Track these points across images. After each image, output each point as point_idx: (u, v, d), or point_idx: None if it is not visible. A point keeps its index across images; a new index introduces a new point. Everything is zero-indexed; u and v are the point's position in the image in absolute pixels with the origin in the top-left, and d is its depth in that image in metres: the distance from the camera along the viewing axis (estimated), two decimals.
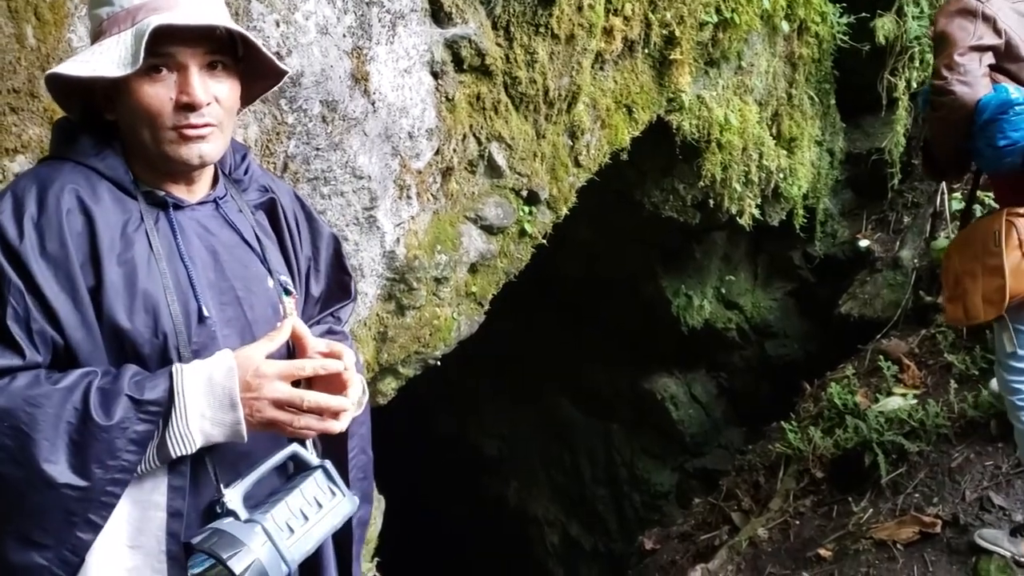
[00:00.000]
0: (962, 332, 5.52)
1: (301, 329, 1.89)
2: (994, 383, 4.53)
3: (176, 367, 1.69)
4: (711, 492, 6.26)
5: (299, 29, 2.99)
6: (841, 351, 6.29)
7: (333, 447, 2.11)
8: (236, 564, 1.68)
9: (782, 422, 5.91)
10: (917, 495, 4.78)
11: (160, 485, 1.73)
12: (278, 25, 2.92)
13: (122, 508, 1.69)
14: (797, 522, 5.07)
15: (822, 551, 4.74)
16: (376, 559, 4.28)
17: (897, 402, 5.26)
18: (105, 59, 1.71)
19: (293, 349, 1.93)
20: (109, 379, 1.65)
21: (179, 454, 1.68)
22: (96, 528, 1.64)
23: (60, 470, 1.58)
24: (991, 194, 4.66)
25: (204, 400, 1.68)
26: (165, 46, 1.73)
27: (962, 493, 4.62)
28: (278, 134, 3.04)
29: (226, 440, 1.73)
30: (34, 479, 1.58)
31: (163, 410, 1.66)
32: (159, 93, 1.75)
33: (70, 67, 1.74)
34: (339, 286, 2.27)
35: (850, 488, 5.07)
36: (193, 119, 1.76)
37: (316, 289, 2.19)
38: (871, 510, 4.85)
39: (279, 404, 1.74)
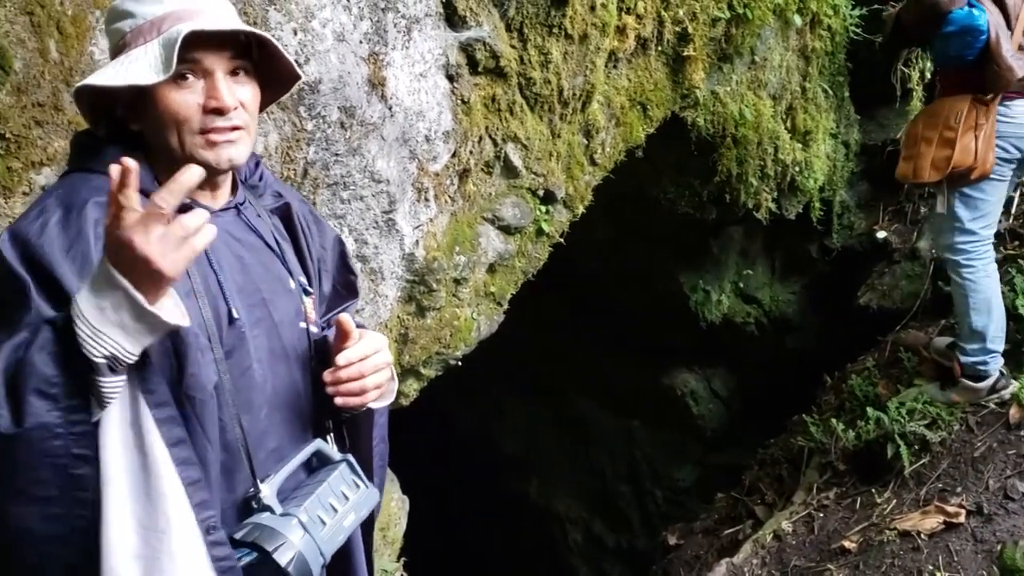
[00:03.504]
0: None
1: (349, 324, 1.95)
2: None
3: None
4: (733, 486, 6.25)
5: (316, 37, 3.02)
6: (861, 343, 6.27)
7: (359, 436, 2.19)
8: (281, 556, 1.73)
9: (803, 415, 5.90)
10: (940, 485, 4.78)
11: (146, 414, 1.64)
12: (295, 33, 2.95)
13: (129, 496, 1.62)
14: (821, 515, 5.07)
15: (846, 543, 4.74)
16: (403, 559, 4.31)
17: (918, 393, 5.26)
18: (135, 68, 1.74)
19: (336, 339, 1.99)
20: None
21: (99, 354, 1.52)
22: (89, 461, 1.57)
23: (5, 422, 1.51)
24: None
25: (96, 290, 1.53)
26: (192, 53, 1.77)
27: (985, 482, 4.62)
28: (298, 141, 3.07)
29: (147, 326, 1.56)
30: (7, 444, 1.52)
31: (67, 317, 1.54)
32: (187, 99, 1.79)
33: (101, 78, 1.77)
34: (345, 286, 2.33)
35: (873, 480, 5.07)
36: (221, 123, 1.80)
37: (325, 288, 2.25)
38: (895, 501, 4.85)
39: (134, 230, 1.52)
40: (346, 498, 1.93)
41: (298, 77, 2.01)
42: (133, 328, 1.55)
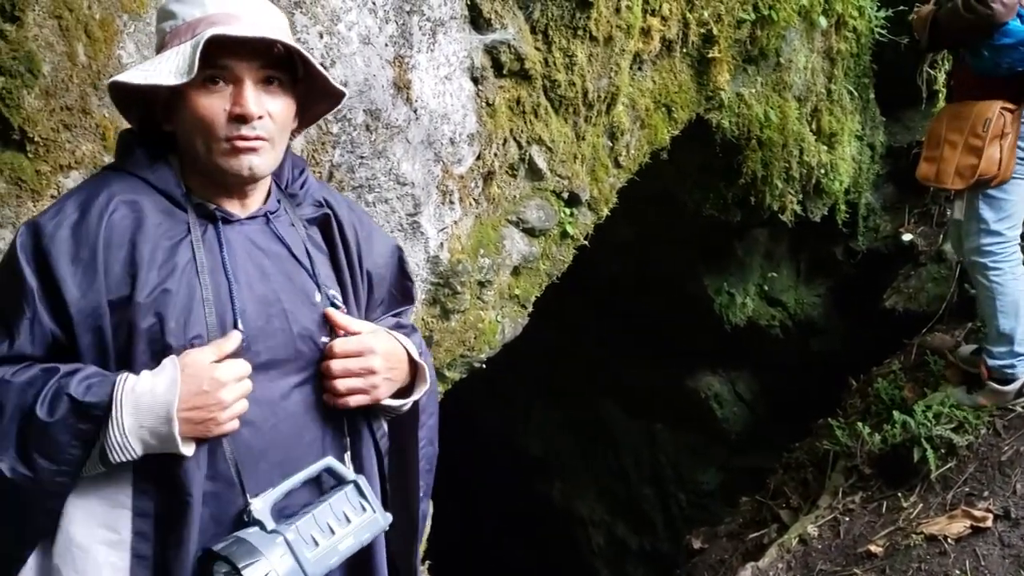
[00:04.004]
0: None
1: (334, 318, 1.96)
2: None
3: (123, 375, 1.70)
4: (758, 490, 6.21)
5: (342, 40, 3.02)
6: (886, 346, 6.23)
7: (403, 437, 2.17)
8: (250, 573, 1.70)
9: (829, 418, 5.87)
10: (967, 489, 4.74)
11: (126, 486, 1.75)
12: (321, 37, 2.96)
13: (86, 504, 1.73)
14: (847, 519, 5.03)
15: (873, 547, 4.70)
16: (427, 562, 4.31)
17: (944, 396, 5.23)
18: (163, 68, 1.75)
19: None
20: (62, 377, 1.67)
21: (119, 460, 1.68)
22: (52, 515, 1.70)
23: (8, 464, 1.64)
24: None
25: (145, 410, 1.67)
26: (222, 58, 1.77)
27: (1013, 486, 4.57)
28: (323, 144, 3.08)
29: (166, 451, 1.71)
30: None
31: (103, 415, 1.66)
32: (214, 104, 1.79)
33: (130, 76, 1.78)
34: (401, 292, 2.32)
35: (899, 484, 5.03)
36: (244, 131, 1.80)
37: (380, 294, 2.23)
38: (921, 505, 4.81)
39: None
40: (348, 521, 1.88)
41: (341, 95, 1.99)
42: (154, 448, 1.71)
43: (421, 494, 2.22)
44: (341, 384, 1.92)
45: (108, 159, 2.52)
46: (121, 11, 2.56)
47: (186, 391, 1.68)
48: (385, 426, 2.13)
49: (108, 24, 2.54)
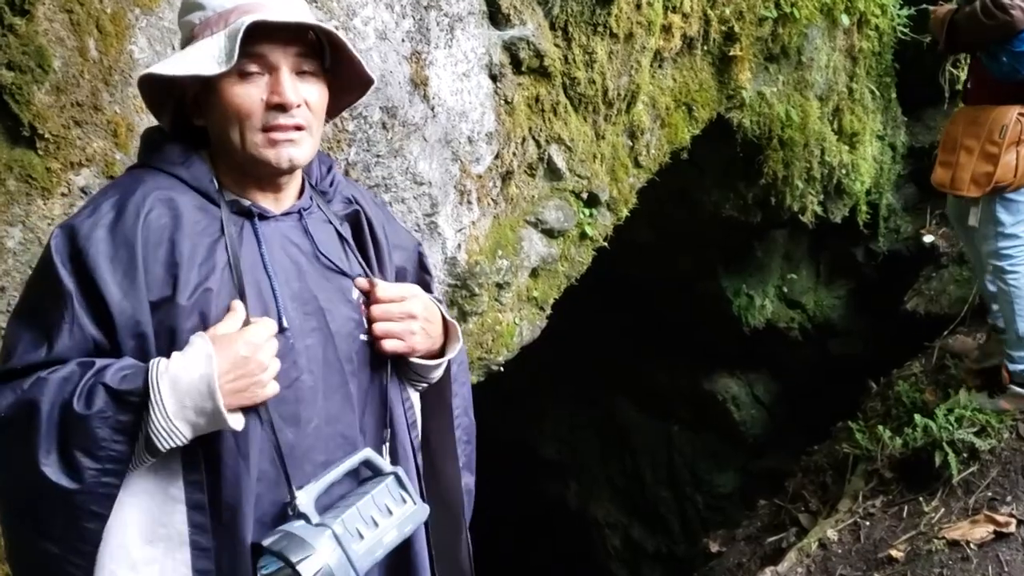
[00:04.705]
0: None
1: (364, 284, 1.97)
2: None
3: (154, 360, 1.65)
4: (775, 493, 6.17)
5: (358, 35, 2.98)
6: (907, 349, 6.19)
7: (436, 409, 2.18)
8: (305, 568, 1.67)
9: (849, 422, 5.82)
10: (990, 494, 4.69)
11: (176, 479, 1.71)
12: (337, 31, 2.91)
13: (138, 500, 1.69)
14: (867, 523, 4.98)
15: (894, 552, 4.65)
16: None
17: (966, 400, 5.17)
18: (199, 59, 1.73)
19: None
20: (99, 370, 1.63)
21: (168, 446, 1.63)
22: (101, 518, 1.64)
23: (53, 470, 1.59)
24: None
25: (185, 390, 1.63)
26: (258, 46, 1.75)
27: None
28: (339, 142, 3.04)
29: (214, 429, 1.68)
30: (35, 477, 1.59)
31: (140, 401, 1.61)
32: (251, 93, 1.76)
33: (165, 67, 1.76)
34: (422, 285, 2.28)
35: (921, 488, 4.98)
36: (283, 120, 1.77)
37: None
38: (943, 510, 4.76)
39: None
40: (390, 513, 1.86)
41: (371, 81, 1.98)
42: (202, 427, 1.67)
43: (460, 464, 2.22)
44: (379, 327, 1.93)
45: (120, 156, 2.49)
46: (133, 5, 2.53)
47: (224, 361, 1.65)
48: (413, 398, 2.13)
49: (120, 18, 2.50)
